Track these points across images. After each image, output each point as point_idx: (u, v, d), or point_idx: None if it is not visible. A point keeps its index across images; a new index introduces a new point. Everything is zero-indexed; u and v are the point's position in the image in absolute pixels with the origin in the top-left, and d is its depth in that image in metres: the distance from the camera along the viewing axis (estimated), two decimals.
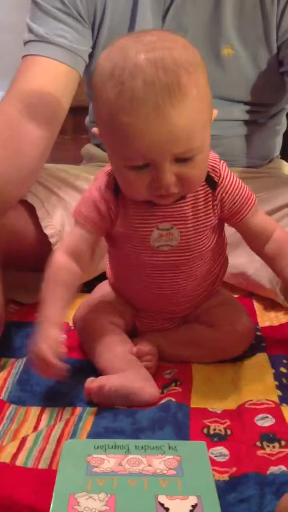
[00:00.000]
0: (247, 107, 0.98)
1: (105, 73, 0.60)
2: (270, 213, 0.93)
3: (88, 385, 0.66)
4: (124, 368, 0.69)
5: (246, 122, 1.00)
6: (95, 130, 0.66)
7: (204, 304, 0.77)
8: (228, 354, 0.76)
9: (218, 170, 0.68)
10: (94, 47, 0.94)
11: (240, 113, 0.98)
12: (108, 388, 0.66)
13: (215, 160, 0.68)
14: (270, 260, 0.73)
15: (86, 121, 1.13)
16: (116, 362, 0.70)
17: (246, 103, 0.98)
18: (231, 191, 0.68)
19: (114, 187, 0.67)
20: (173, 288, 0.73)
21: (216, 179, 0.68)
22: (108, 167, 0.69)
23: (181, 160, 0.60)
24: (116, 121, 0.59)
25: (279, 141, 1.11)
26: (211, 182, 0.68)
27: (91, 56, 0.94)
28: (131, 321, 0.78)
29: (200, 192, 0.68)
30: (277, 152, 1.12)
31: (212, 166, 0.68)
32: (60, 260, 0.70)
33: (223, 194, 0.68)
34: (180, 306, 0.76)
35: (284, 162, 1.15)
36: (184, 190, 0.63)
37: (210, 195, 0.68)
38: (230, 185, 0.68)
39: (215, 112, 0.64)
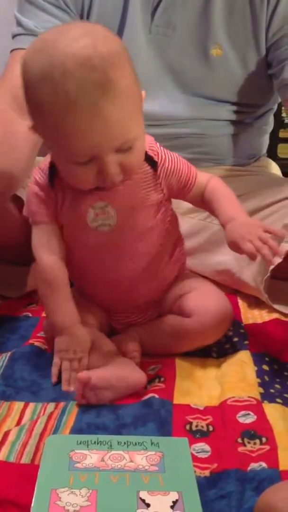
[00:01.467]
0: (234, 107, 0.99)
1: (35, 75, 0.61)
2: (257, 210, 0.94)
3: (78, 376, 0.66)
4: (108, 362, 0.70)
5: (233, 122, 1.00)
6: (29, 125, 0.66)
7: (172, 292, 0.77)
8: (208, 338, 0.75)
9: (155, 151, 0.70)
10: None
11: (227, 113, 0.99)
12: (99, 378, 0.66)
13: (152, 142, 0.71)
14: (206, 205, 0.74)
15: None
16: (100, 359, 0.71)
17: (233, 103, 0.98)
18: (174, 169, 0.70)
19: (48, 177, 0.70)
20: (122, 271, 0.73)
21: (155, 158, 0.70)
22: (40, 165, 0.71)
23: (122, 150, 0.63)
24: (55, 123, 0.61)
25: (265, 140, 1.12)
26: (151, 161, 0.70)
27: None
28: (104, 321, 0.78)
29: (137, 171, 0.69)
30: (263, 150, 1.13)
31: (150, 147, 0.70)
32: (49, 262, 0.71)
33: (167, 172, 0.70)
34: (139, 292, 0.75)
35: (270, 160, 1.16)
36: (126, 175, 0.66)
37: (150, 174, 0.70)
38: (172, 163, 0.70)
39: (143, 93, 0.66)
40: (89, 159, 0.62)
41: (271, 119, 1.11)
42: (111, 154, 0.62)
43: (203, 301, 0.74)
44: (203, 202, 0.74)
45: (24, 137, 0.86)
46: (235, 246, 0.67)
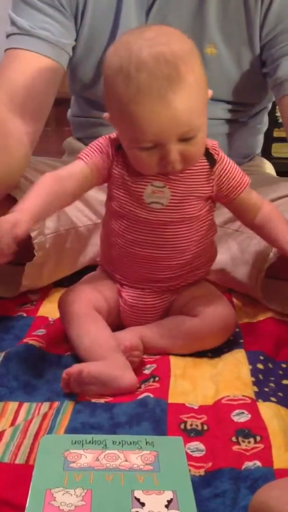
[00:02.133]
0: (229, 106, 0.99)
1: (114, 68, 0.67)
2: None
3: (67, 370, 0.67)
4: (104, 356, 0.70)
5: (228, 121, 1.00)
6: (106, 115, 0.72)
7: (187, 294, 0.79)
8: (208, 343, 0.77)
9: (217, 150, 0.76)
10: (76, 38, 0.93)
11: (222, 112, 0.99)
12: (87, 373, 0.67)
13: (215, 144, 0.77)
14: (259, 229, 0.80)
15: (68, 115, 1.12)
16: (95, 349, 0.71)
17: (228, 102, 0.98)
18: (229, 171, 0.76)
19: (117, 145, 0.74)
20: (158, 249, 0.76)
21: (215, 157, 0.76)
22: (110, 135, 0.76)
23: (184, 139, 0.68)
24: (126, 110, 0.67)
25: (260, 139, 1.12)
26: (211, 158, 0.75)
27: (74, 48, 0.93)
28: (112, 300, 0.79)
29: (197, 163, 0.74)
30: (258, 150, 1.13)
31: (213, 146, 0.76)
32: (48, 177, 0.72)
33: (221, 173, 0.76)
34: (162, 274, 0.78)
35: (265, 160, 1.16)
36: (187, 165, 0.71)
37: (207, 168, 0.75)
38: (228, 165, 0.77)
39: (210, 92, 0.72)
40: (153, 145, 0.68)
41: (265, 118, 1.11)
42: (174, 142, 0.67)
43: (211, 305, 0.78)
44: (253, 224, 0.79)
45: (18, 138, 0.86)
46: None
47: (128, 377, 0.69)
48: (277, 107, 1.07)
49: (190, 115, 0.67)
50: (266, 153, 1.17)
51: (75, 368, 0.67)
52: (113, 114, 0.71)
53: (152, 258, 0.77)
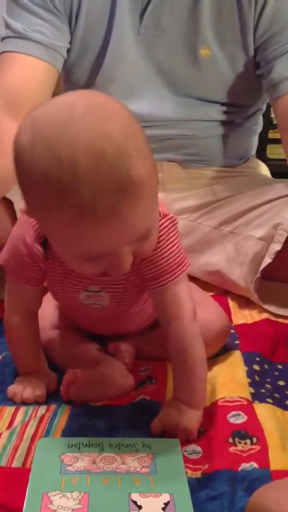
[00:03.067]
0: (224, 108, 0.99)
1: (38, 175, 0.51)
2: (247, 211, 0.95)
3: (64, 377, 0.66)
4: (98, 362, 0.70)
5: (222, 123, 1.01)
6: (23, 209, 0.57)
7: None
8: (206, 352, 0.75)
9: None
10: (71, 41, 0.93)
11: (216, 113, 0.99)
12: (83, 374, 0.66)
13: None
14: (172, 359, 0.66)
15: None
16: (89, 359, 0.71)
17: (222, 104, 0.99)
18: (155, 257, 0.62)
19: (43, 242, 0.63)
20: (112, 327, 0.73)
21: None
22: (30, 219, 0.61)
23: (137, 241, 0.56)
24: (63, 228, 0.53)
25: (255, 141, 1.12)
26: None
27: (68, 50, 0.93)
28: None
29: None
30: (253, 151, 1.13)
31: None
32: (17, 323, 0.68)
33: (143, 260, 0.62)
34: (128, 330, 0.75)
35: (260, 161, 1.16)
36: (138, 260, 0.59)
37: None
38: (156, 251, 0.61)
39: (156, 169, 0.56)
40: (99, 255, 0.55)
41: (260, 120, 1.11)
42: (126, 247, 0.55)
43: (204, 317, 0.71)
44: (167, 331, 0.64)
45: (12, 139, 0.85)
46: None
47: (124, 379, 0.69)
48: (271, 109, 1.07)
49: (146, 219, 0.54)
50: (261, 154, 1.17)
51: (72, 372, 0.67)
52: (40, 222, 0.58)
53: (108, 329, 0.74)
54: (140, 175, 0.51)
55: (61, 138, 0.50)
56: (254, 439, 0.62)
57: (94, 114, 0.51)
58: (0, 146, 0.83)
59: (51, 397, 0.69)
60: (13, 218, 0.89)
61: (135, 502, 0.52)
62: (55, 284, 0.67)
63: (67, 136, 0.49)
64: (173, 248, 0.62)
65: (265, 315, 0.89)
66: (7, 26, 0.90)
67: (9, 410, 0.67)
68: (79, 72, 0.97)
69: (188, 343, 0.63)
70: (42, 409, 0.67)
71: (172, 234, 0.62)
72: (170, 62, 0.95)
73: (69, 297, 0.68)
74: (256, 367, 0.75)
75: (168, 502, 0.52)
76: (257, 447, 0.60)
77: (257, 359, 0.76)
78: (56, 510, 0.51)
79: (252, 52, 0.94)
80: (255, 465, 0.58)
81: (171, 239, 0.62)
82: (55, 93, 0.93)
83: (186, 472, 0.57)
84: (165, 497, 0.53)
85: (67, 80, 1.00)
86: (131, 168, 0.50)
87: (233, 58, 0.94)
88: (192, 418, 0.62)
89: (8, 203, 0.89)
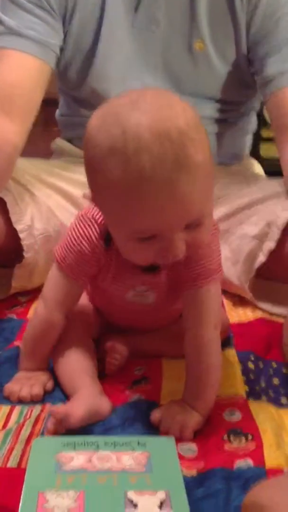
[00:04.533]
0: (218, 105, 0.99)
1: (103, 148, 0.54)
2: (241, 209, 0.95)
3: (55, 415, 0.61)
4: (79, 386, 0.66)
5: (217, 120, 1.01)
6: (87, 195, 0.61)
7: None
8: None
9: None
10: (65, 40, 0.93)
11: (211, 111, 0.99)
12: (74, 419, 0.61)
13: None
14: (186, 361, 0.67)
15: (56, 114, 1.12)
16: (72, 378, 0.69)
17: (217, 101, 0.99)
18: (198, 258, 0.64)
19: (105, 238, 0.65)
20: (148, 321, 0.74)
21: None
22: (96, 211, 0.65)
23: (191, 226, 0.57)
24: (123, 199, 0.55)
25: (249, 139, 1.12)
26: None
27: (63, 49, 0.93)
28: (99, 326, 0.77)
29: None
30: (247, 150, 1.13)
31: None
32: (50, 317, 0.69)
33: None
34: (161, 325, 0.76)
35: (254, 160, 1.17)
36: (189, 253, 0.60)
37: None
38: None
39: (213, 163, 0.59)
40: (153, 235, 0.56)
41: (254, 119, 1.11)
42: (179, 231, 0.56)
43: None
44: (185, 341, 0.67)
45: (5, 139, 0.85)
46: None
47: (105, 405, 0.65)
48: (264, 107, 1.07)
49: (200, 202, 0.56)
50: (255, 153, 1.17)
51: (61, 412, 0.61)
52: (102, 200, 0.59)
53: (139, 323, 0.75)
54: (198, 157, 0.54)
55: (128, 115, 0.54)
56: (249, 437, 0.62)
57: (162, 100, 0.55)
58: None
59: (47, 395, 0.69)
60: (6, 218, 0.89)
61: (131, 500, 0.52)
62: (105, 283, 0.68)
63: (134, 113, 0.53)
64: (215, 252, 0.65)
65: (259, 314, 0.89)
66: (0, 22, 0.89)
67: (4, 410, 0.67)
68: (73, 70, 0.96)
69: (207, 347, 0.65)
70: (37, 409, 0.66)
71: (215, 239, 0.65)
72: (165, 57, 0.95)
73: (115, 295, 0.69)
74: (251, 366, 0.75)
75: (164, 500, 0.52)
76: (252, 445, 0.61)
77: (252, 357, 0.77)
78: (52, 509, 0.51)
79: (245, 49, 0.94)
80: (250, 462, 0.58)
81: (214, 244, 0.65)
82: (48, 91, 0.93)
83: (182, 470, 0.57)
84: (161, 495, 0.53)
85: (61, 77, 1.00)
86: (190, 147, 0.53)
87: (225, 54, 0.94)
88: (192, 418, 0.63)
89: (1, 203, 0.89)
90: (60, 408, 0.62)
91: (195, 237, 0.58)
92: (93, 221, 0.65)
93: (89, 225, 0.65)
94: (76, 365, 0.69)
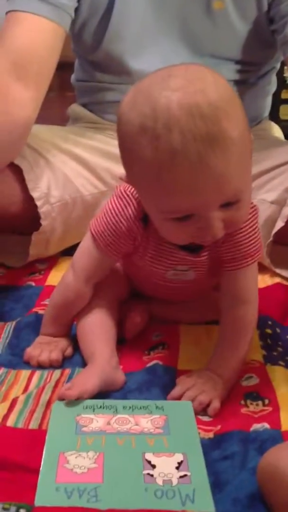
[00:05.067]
0: (238, 66, 0.96)
1: (134, 126, 0.54)
2: (260, 174, 0.93)
3: (66, 393, 0.61)
4: (97, 355, 0.66)
5: (236, 82, 0.98)
6: (122, 176, 0.60)
7: None
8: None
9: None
10: (79, 1, 0.90)
11: (230, 72, 0.96)
12: (87, 396, 0.62)
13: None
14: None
15: (72, 79, 1.10)
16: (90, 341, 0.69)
17: (236, 62, 0.96)
18: (237, 239, 0.64)
19: (143, 217, 0.64)
20: (181, 295, 0.74)
21: None
22: (132, 192, 0.64)
23: (228, 204, 0.56)
24: (157, 177, 0.54)
25: (268, 101, 1.10)
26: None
27: (77, 10, 0.91)
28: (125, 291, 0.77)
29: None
30: (266, 113, 1.11)
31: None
32: (80, 287, 0.69)
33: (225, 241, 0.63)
34: (188, 298, 0.76)
35: (273, 123, 1.14)
36: (228, 231, 0.59)
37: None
38: (239, 234, 0.63)
39: (251, 137, 0.58)
40: (190, 214, 0.56)
41: (274, 79, 1.08)
42: (216, 210, 0.55)
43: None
44: (227, 314, 0.67)
45: (20, 104, 0.84)
46: None
47: (119, 380, 0.65)
48: (285, 67, 1.04)
49: (236, 179, 0.54)
50: (274, 116, 1.14)
51: (75, 391, 0.61)
52: (137, 180, 0.59)
53: (173, 296, 0.74)
54: (232, 131, 0.52)
55: (158, 92, 0.53)
56: (266, 401, 0.62)
57: (193, 74, 0.54)
58: (6, 107, 0.82)
59: (66, 361, 0.70)
60: (23, 185, 0.89)
61: (149, 462, 0.54)
62: (143, 262, 0.68)
63: (164, 90, 0.53)
64: (255, 233, 0.65)
65: (277, 279, 0.89)
66: None
67: (24, 373, 0.68)
68: (89, 31, 0.94)
69: (247, 328, 0.66)
70: (57, 374, 0.68)
71: (254, 220, 0.65)
72: (184, 15, 0.92)
73: (154, 272, 0.68)
74: (268, 331, 0.75)
75: (182, 461, 0.54)
76: (269, 409, 0.61)
77: (269, 322, 0.77)
78: (72, 469, 0.53)
79: (265, 7, 0.90)
80: (266, 426, 0.59)
81: (253, 225, 0.64)
82: (62, 54, 0.91)
83: (199, 433, 0.58)
84: (179, 457, 0.54)
85: (77, 40, 0.98)
86: (223, 120, 0.52)
87: (246, 12, 0.91)
88: (219, 390, 0.62)
89: (17, 170, 0.89)
90: (72, 390, 0.61)
91: (232, 215, 0.57)
92: (132, 198, 0.64)
93: (128, 203, 0.64)
94: (98, 331, 0.69)
